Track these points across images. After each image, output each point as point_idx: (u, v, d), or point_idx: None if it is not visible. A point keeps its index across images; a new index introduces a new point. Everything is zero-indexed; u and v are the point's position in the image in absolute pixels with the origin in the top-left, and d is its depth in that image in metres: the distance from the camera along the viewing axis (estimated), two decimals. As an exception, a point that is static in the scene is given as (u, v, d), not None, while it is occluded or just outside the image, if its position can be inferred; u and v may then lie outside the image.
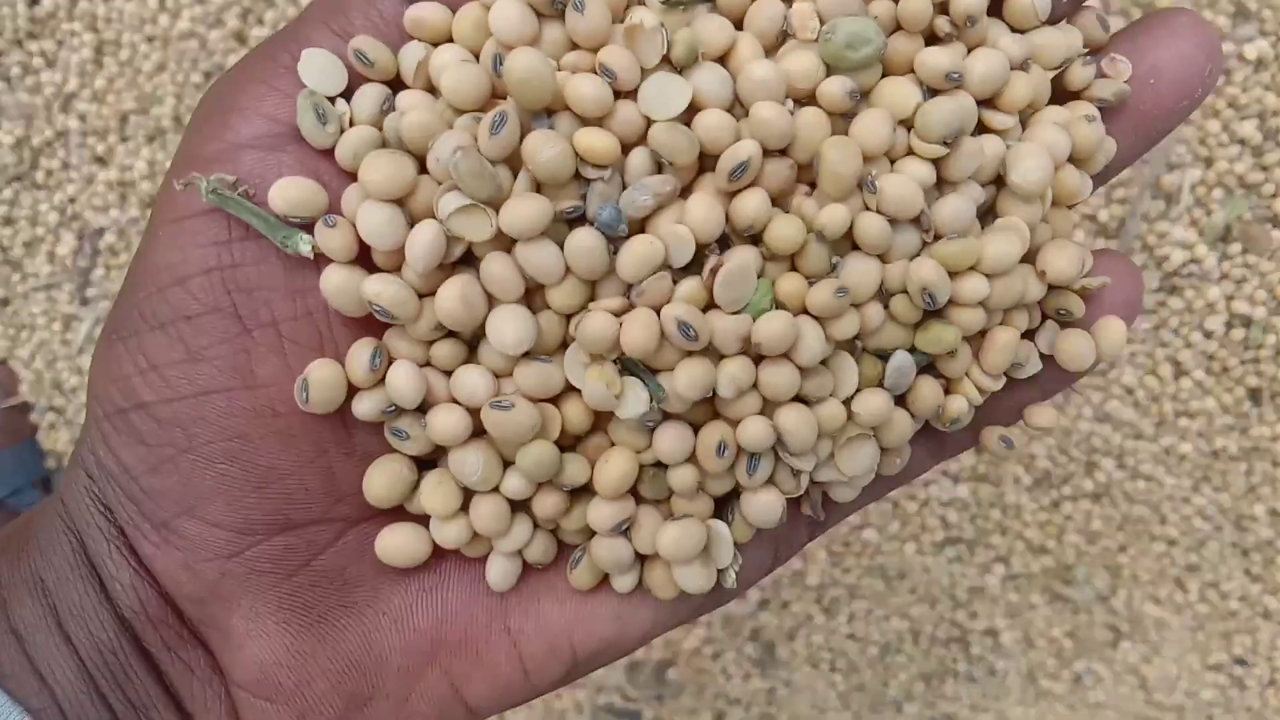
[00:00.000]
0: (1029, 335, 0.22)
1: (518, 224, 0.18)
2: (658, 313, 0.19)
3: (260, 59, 0.20)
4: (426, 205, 0.19)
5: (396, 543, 0.21)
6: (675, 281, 0.19)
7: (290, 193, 0.19)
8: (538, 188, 0.19)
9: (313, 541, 0.21)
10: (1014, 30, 0.21)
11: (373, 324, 0.20)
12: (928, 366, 0.21)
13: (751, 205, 0.19)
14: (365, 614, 0.21)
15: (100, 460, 0.20)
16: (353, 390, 0.20)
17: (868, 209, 0.19)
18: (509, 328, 0.19)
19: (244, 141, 0.19)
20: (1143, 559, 0.58)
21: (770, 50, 0.20)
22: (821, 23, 0.19)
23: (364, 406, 0.20)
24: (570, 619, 0.22)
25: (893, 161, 0.20)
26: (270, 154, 0.19)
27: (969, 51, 0.20)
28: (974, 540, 0.58)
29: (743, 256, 0.19)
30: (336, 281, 0.19)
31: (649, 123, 0.19)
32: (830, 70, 0.19)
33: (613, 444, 0.21)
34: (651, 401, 0.19)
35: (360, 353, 0.20)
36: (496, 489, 0.21)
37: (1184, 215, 0.49)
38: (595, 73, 0.19)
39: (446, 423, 0.20)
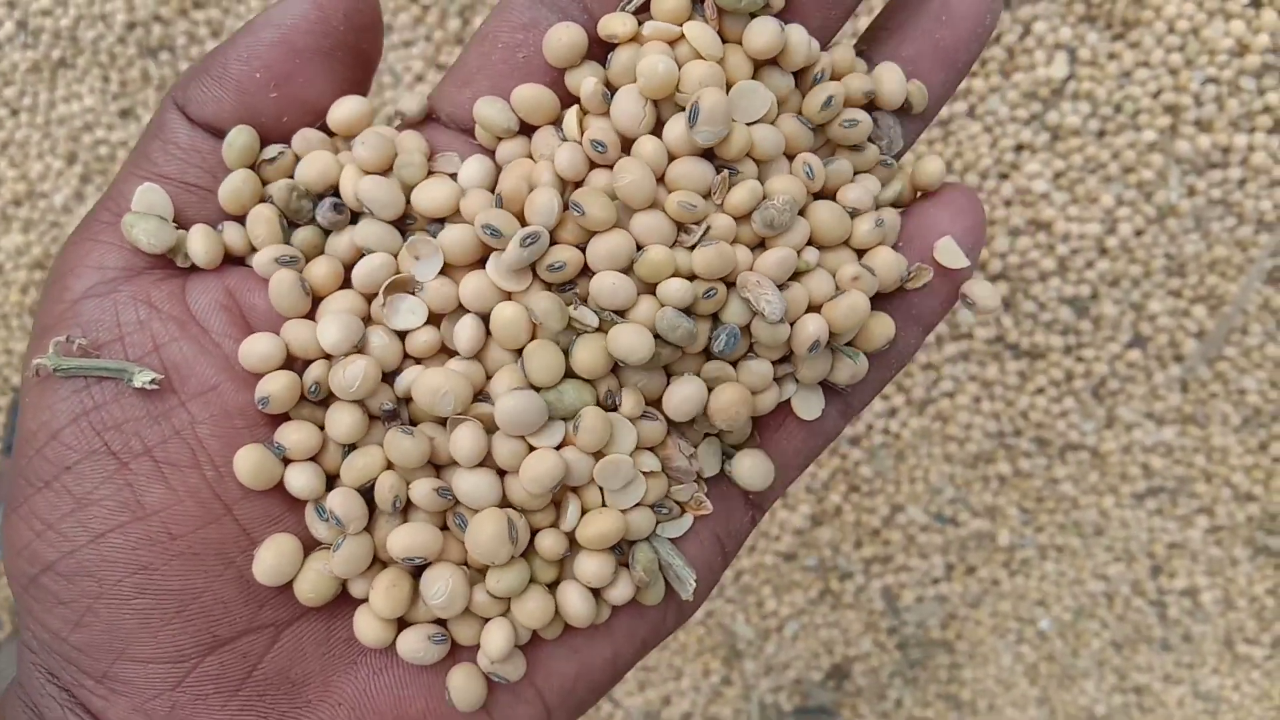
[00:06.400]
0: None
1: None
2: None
3: (84, 224, 0.21)
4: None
5: (368, 624, 0.21)
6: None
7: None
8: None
9: (248, 653, 0.21)
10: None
11: (244, 434, 0.21)
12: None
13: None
14: (322, 709, 0.21)
15: (34, 632, 0.20)
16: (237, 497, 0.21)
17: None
18: (332, 329, 0.21)
19: (80, 296, 0.21)
20: (1353, 505, 0.55)
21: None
22: None
23: (299, 484, 0.21)
24: (527, 664, 0.22)
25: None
26: (106, 298, 0.21)
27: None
28: (1176, 490, 0.56)
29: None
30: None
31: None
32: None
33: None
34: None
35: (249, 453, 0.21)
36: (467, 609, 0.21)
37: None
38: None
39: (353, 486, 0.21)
